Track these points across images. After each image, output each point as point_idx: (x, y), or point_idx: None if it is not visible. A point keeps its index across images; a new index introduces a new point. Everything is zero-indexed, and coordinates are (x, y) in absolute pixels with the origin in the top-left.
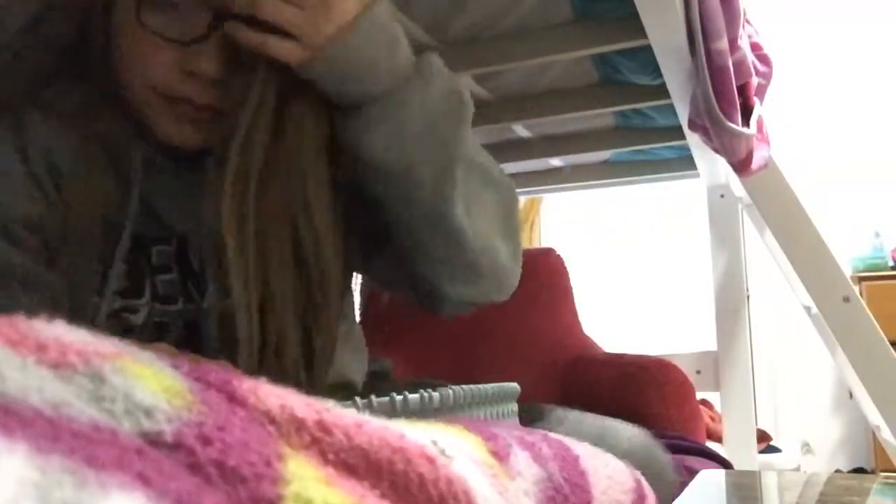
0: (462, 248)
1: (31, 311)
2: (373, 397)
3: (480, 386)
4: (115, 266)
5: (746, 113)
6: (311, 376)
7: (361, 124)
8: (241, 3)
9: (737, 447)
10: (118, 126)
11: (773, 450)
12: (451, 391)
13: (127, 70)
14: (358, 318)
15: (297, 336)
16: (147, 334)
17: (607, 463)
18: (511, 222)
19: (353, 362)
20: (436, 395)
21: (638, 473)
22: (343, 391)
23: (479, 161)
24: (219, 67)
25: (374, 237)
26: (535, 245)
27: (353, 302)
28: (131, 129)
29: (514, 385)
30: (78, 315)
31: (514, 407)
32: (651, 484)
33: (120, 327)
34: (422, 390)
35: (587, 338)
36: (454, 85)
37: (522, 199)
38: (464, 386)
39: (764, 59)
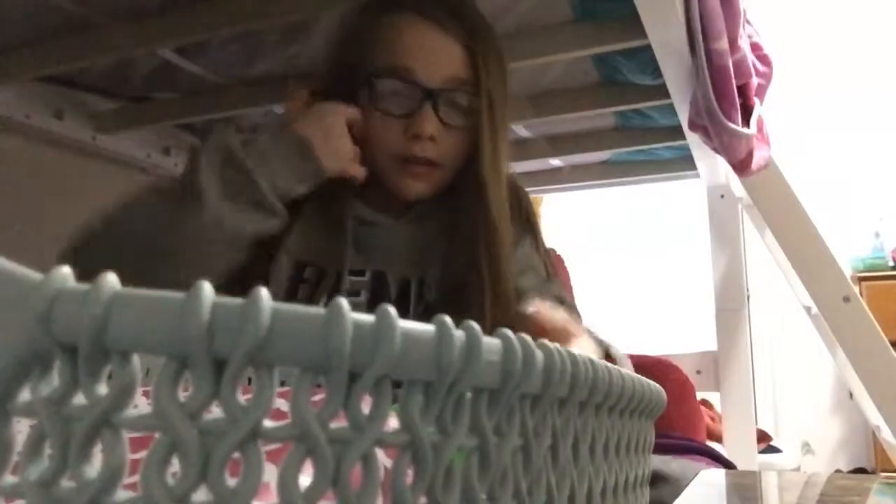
0: None
1: None
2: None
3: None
4: (302, 289)
5: (746, 113)
6: None
7: None
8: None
9: (737, 447)
10: (340, 193)
11: (773, 450)
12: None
13: (368, 148)
14: None
15: None
16: None
17: None
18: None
19: None
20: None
21: None
22: None
23: None
24: (434, 128)
25: None
26: None
27: None
28: (350, 194)
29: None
30: None
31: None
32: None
33: None
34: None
35: None
36: None
37: None
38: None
39: (764, 60)
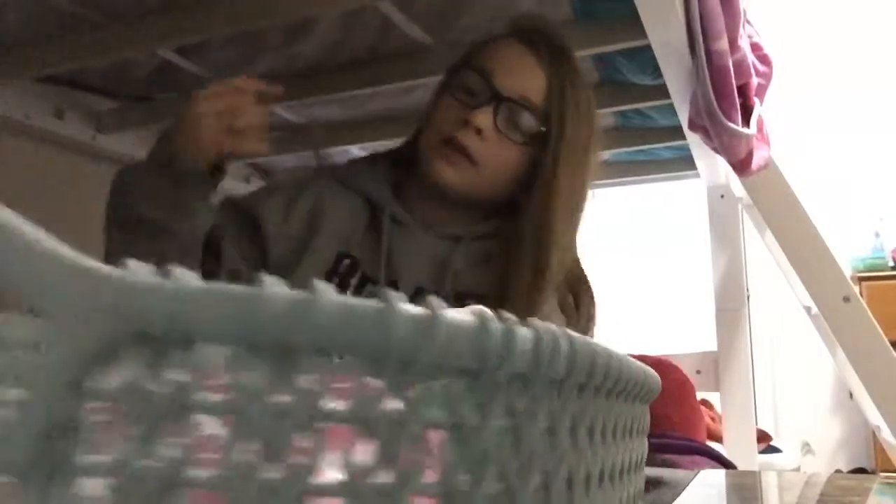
0: None
1: None
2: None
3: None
4: (332, 283)
5: (746, 113)
6: None
7: None
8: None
9: (737, 447)
10: (381, 191)
11: (773, 450)
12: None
13: (427, 128)
14: None
15: None
16: None
17: None
18: None
19: None
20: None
21: None
22: None
23: None
24: (486, 124)
25: None
26: None
27: None
28: (389, 194)
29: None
30: None
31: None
32: None
33: None
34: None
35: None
36: None
37: None
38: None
39: (764, 60)
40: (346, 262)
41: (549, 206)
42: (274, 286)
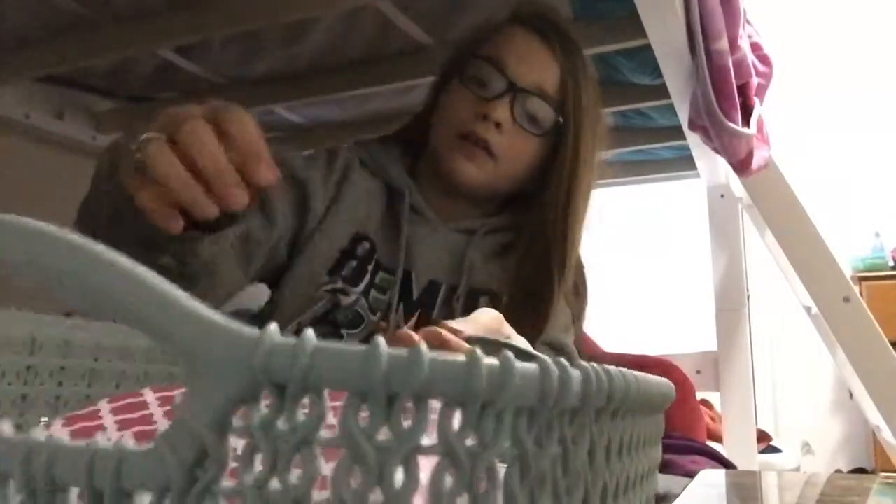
0: None
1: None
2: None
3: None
4: (348, 266)
5: (746, 113)
6: None
7: None
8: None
9: (737, 447)
10: (403, 179)
11: (773, 450)
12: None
13: (439, 121)
14: None
15: None
16: (345, 315)
17: None
18: None
19: None
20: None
21: None
22: None
23: None
24: (504, 117)
25: None
26: None
27: None
28: (411, 182)
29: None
30: (310, 284)
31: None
32: None
33: (332, 302)
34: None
35: (588, 337)
36: None
37: None
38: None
39: (764, 59)
40: (366, 245)
41: (570, 200)
42: (383, 346)
